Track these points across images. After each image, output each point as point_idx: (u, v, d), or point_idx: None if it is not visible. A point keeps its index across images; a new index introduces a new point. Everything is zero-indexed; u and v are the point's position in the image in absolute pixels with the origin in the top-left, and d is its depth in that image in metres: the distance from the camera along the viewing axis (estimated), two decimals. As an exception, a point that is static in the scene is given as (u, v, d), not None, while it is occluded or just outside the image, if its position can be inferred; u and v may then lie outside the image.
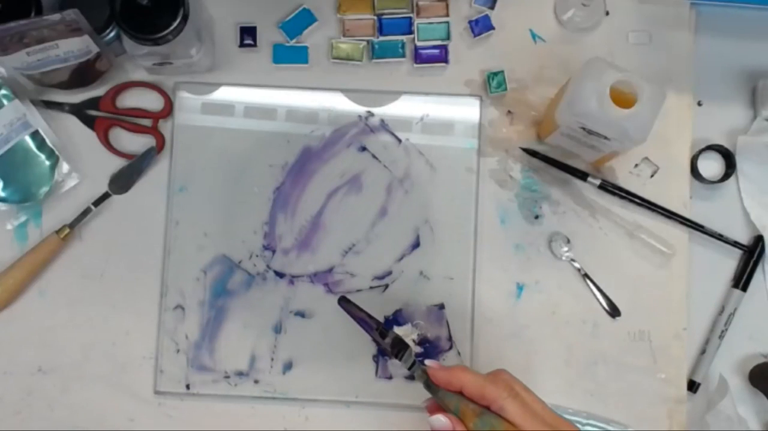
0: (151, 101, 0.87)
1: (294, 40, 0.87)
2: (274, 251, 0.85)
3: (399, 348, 0.70)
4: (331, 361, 0.84)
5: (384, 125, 0.86)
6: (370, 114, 0.86)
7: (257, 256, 0.85)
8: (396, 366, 0.83)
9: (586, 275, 0.85)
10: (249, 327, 0.84)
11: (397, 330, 0.83)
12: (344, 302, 0.73)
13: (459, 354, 0.84)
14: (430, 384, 0.67)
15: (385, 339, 0.71)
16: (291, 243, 0.85)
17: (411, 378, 0.83)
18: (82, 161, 0.86)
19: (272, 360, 0.84)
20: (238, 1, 0.87)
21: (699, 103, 0.88)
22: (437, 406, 0.68)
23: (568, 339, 0.85)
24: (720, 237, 0.86)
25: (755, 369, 0.84)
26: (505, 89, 0.86)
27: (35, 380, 0.84)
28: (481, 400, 0.65)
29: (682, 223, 0.85)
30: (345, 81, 0.87)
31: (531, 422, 0.64)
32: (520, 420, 0.64)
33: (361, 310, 0.73)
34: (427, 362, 0.68)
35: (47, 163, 0.84)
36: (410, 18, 0.87)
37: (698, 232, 0.85)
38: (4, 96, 0.83)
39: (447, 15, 0.87)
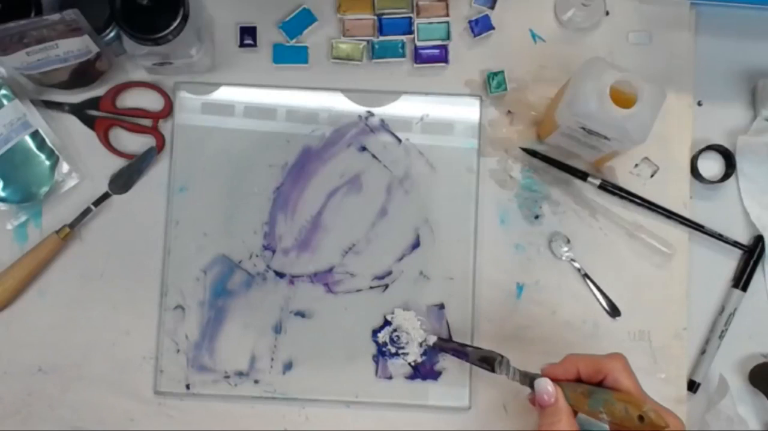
0: (151, 101, 0.86)
1: (294, 40, 0.87)
2: (274, 251, 0.85)
3: (491, 361, 0.75)
4: (331, 361, 0.84)
5: (384, 125, 0.86)
6: (370, 114, 0.86)
7: (257, 256, 0.84)
8: (396, 365, 0.83)
9: (586, 275, 0.85)
10: (249, 327, 0.84)
11: (401, 315, 0.83)
12: (439, 342, 0.81)
13: (459, 354, 0.84)
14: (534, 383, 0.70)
15: (479, 359, 0.76)
16: (291, 243, 0.85)
17: (411, 377, 0.83)
18: (82, 161, 0.86)
19: (272, 360, 0.84)
20: (238, 1, 0.87)
21: (699, 103, 0.88)
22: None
23: (568, 338, 0.85)
24: (720, 237, 0.85)
25: (755, 369, 0.84)
26: (505, 89, 0.86)
27: (35, 380, 0.84)
28: (597, 374, 0.68)
29: (682, 223, 0.85)
30: (345, 81, 0.87)
31: (643, 393, 0.67)
32: (635, 388, 0.67)
33: (455, 343, 0.81)
34: (541, 368, 0.70)
35: (47, 163, 0.84)
36: (410, 18, 0.87)
37: (698, 232, 0.85)
38: (4, 96, 0.83)
39: (447, 15, 0.87)
